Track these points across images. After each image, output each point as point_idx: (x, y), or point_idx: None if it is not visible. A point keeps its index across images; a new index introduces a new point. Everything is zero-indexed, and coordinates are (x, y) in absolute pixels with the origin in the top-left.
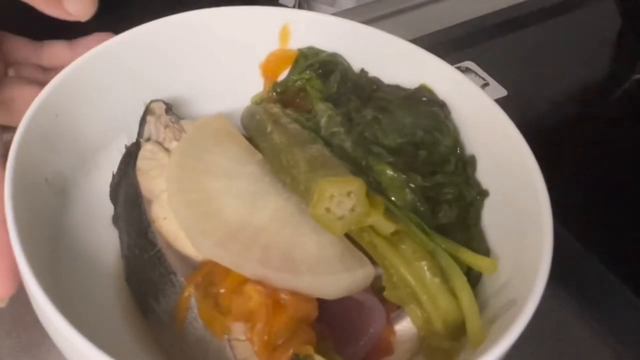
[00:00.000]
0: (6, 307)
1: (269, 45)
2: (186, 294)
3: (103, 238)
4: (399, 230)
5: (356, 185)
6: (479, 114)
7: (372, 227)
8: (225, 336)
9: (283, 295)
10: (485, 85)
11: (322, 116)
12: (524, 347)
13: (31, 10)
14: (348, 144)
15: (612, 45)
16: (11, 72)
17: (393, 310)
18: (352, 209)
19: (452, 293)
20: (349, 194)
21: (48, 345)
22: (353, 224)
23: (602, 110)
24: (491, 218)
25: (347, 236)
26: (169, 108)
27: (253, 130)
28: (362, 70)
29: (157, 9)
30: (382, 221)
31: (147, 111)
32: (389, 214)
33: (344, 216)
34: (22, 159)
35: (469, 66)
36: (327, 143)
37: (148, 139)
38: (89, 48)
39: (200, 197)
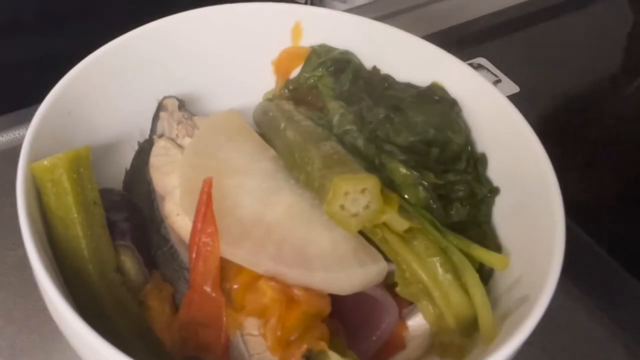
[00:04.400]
0: (19, 304)
1: (281, 42)
2: None
3: None
4: (412, 227)
5: (371, 183)
6: (491, 111)
7: (385, 224)
8: (238, 331)
9: (296, 291)
10: (497, 82)
11: (334, 114)
12: (536, 343)
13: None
14: (360, 142)
15: (624, 42)
16: None
17: (405, 306)
18: (367, 206)
19: (465, 289)
20: (363, 191)
21: (60, 342)
22: (367, 221)
23: (615, 106)
24: (503, 215)
25: (360, 232)
26: (182, 104)
27: (266, 126)
28: (374, 68)
29: (170, 6)
30: (396, 218)
31: (160, 107)
32: (403, 211)
33: (359, 213)
34: (34, 156)
35: (481, 63)
36: (340, 141)
37: (161, 136)
38: None
39: (214, 195)
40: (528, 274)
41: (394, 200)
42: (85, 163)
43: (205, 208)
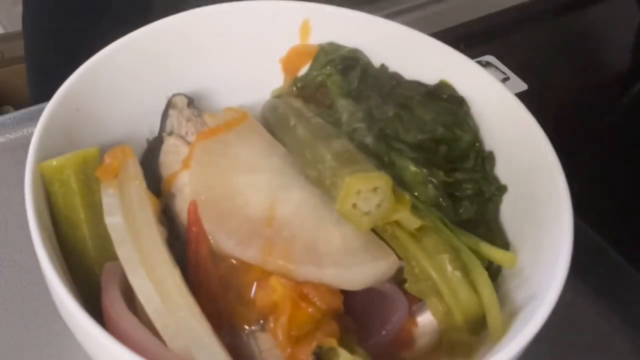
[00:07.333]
0: (27, 301)
1: (289, 39)
2: None
3: None
4: (423, 225)
5: (383, 182)
6: (499, 109)
7: (396, 222)
8: (249, 327)
9: (307, 288)
10: (505, 80)
11: (343, 112)
12: (544, 340)
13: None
14: (369, 140)
15: (631, 39)
16: None
17: (415, 302)
18: (379, 205)
19: (473, 287)
20: (375, 189)
21: (68, 340)
22: (379, 220)
23: (622, 103)
24: (511, 212)
25: (371, 228)
26: (191, 102)
27: (275, 124)
28: (383, 66)
29: (178, 4)
30: (408, 217)
31: (169, 105)
32: (414, 209)
33: (370, 212)
34: (43, 154)
35: (490, 60)
36: (349, 139)
37: (170, 133)
38: None
39: (223, 193)
40: (536, 271)
41: (406, 198)
42: (93, 164)
43: (195, 227)
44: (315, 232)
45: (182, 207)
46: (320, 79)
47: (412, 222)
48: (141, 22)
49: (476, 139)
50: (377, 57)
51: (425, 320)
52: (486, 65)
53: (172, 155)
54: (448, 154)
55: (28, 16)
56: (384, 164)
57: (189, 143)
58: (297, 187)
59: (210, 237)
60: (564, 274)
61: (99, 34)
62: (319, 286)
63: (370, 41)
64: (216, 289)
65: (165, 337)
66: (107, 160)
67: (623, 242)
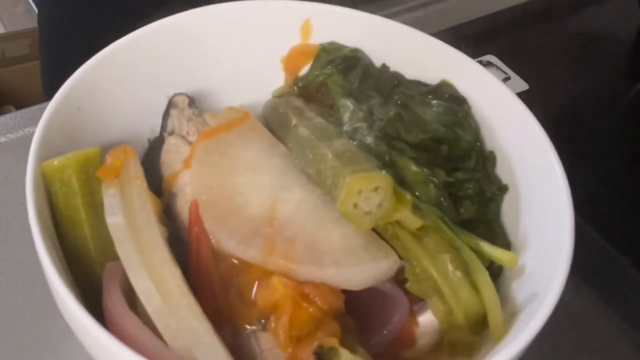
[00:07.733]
0: (28, 301)
1: (290, 39)
2: None
3: None
4: (424, 225)
5: (384, 181)
6: (500, 108)
7: (397, 222)
8: (250, 327)
9: (309, 288)
10: (506, 79)
11: (344, 112)
12: (545, 340)
13: None
14: (370, 140)
15: (631, 39)
16: None
17: (416, 302)
18: (380, 205)
19: (474, 286)
20: (376, 189)
21: (69, 339)
22: (380, 219)
23: (624, 103)
24: (512, 212)
25: (372, 228)
26: (192, 101)
27: (276, 123)
28: (384, 65)
29: (179, 3)
30: (409, 216)
31: (171, 105)
32: (415, 209)
33: (371, 211)
34: (44, 154)
35: (491, 60)
36: (350, 138)
37: (171, 133)
38: None
39: (224, 193)
40: (537, 271)
41: (407, 198)
42: (94, 164)
43: (197, 227)
44: (316, 231)
45: (183, 207)
46: (321, 78)
47: (413, 221)
48: (157, 17)
49: (477, 138)
50: (378, 56)
51: (426, 319)
52: (487, 65)
53: (173, 155)
54: (449, 154)
55: (43, 10)
56: (385, 164)
57: (190, 143)
58: (298, 186)
59: (211, 237)
60: (565, 274)
61: (114, 29)
62: (320, 286)
63: (371, 41)
64: (217, 288)
65: (166, 337)
66: (109, 160)
67: (624, 242)
